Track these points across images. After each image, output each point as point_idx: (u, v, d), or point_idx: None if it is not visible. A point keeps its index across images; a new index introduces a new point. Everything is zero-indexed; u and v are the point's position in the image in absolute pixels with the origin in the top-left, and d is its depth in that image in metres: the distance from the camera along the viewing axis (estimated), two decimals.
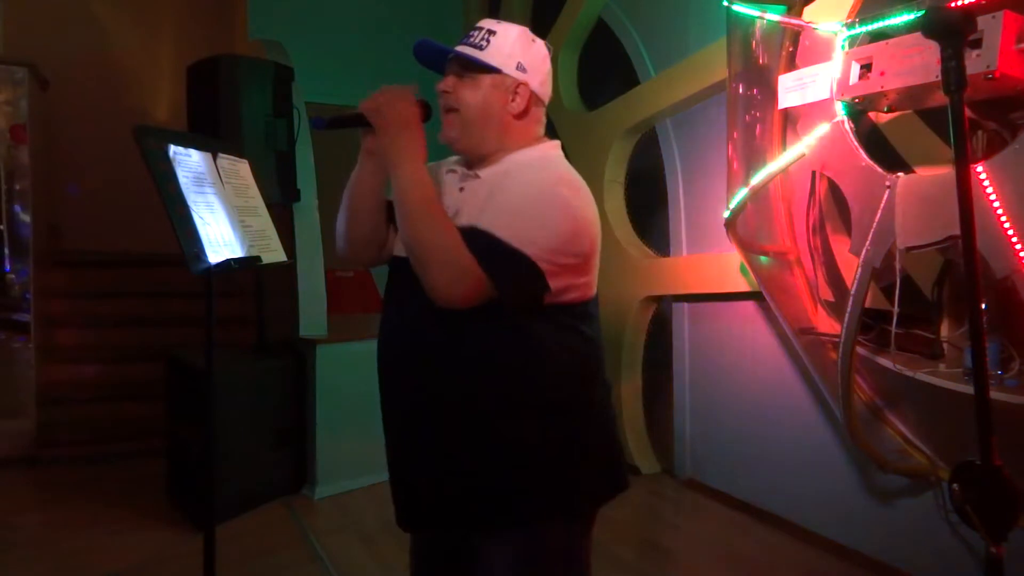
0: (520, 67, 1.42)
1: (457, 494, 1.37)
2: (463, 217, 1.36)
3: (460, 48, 1.42)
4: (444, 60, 1.46)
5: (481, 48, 1.40)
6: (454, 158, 1.54)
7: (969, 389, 2.20)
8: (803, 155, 2.79)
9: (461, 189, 1.44)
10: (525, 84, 1.42)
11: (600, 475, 1.43)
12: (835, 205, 2.93)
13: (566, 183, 1.35)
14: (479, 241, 1.28)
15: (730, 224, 3.13)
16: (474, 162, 1.47)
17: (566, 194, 1.33)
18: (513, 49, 1.41)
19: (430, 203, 1.33)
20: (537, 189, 1.33)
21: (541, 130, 1.50)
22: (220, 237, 2.08)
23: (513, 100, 1.42)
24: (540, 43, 1.48)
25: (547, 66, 1.48)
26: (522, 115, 1.44)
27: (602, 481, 1.43)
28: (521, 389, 1.34)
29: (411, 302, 1.38)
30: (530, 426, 1.34)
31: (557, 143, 1.51)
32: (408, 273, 1.38)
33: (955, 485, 1.29)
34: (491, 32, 1.42)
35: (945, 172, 2.29)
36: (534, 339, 1.34)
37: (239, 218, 2.22)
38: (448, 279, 1.29)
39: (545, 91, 1.48)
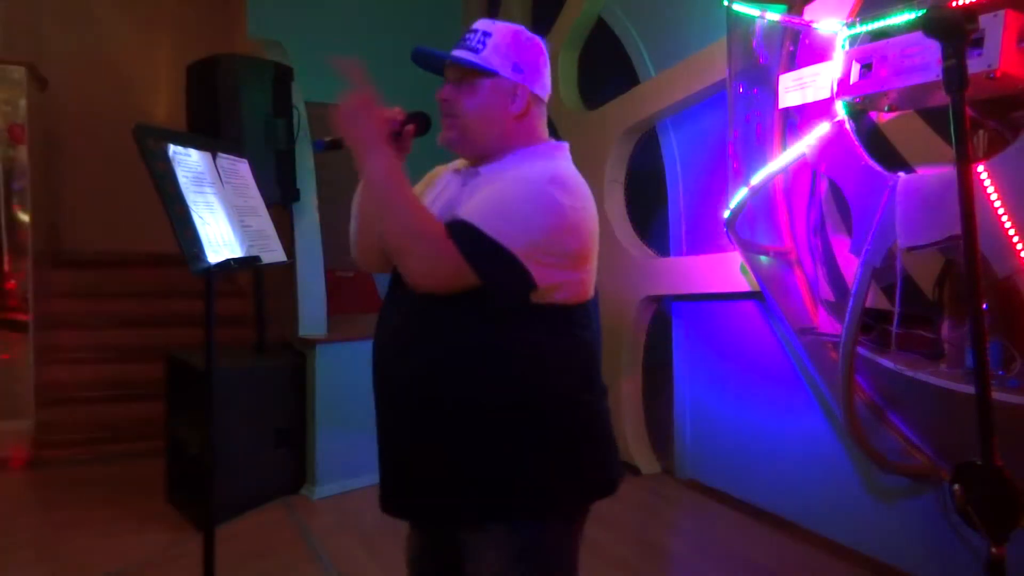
0: (517, 68, 1.42)
1: (447, 489, 1.37)
2: (459, 211, 1.36)
3: (456, 52, 1.43)
4: (443, 64, 1.46)
5: (477, 51, 1.41)
6: (461, 160, 1.55)
7: (970, 389, 2.20)
8: (803, 155, 2.79)
9: (464, 185, 1.45)
10: (523, 85, 1.43)
11: (590, 477, 1.42)
12: (835, 205, 2.93)
13: (559, 181, 1.34)
14: (463, 232, 1.29)
15: (730, 224, 3.12)
16: (477, 161, 1.48)
17: (555, 191, 1.32)
18: (509, 50, 1.42)
19: (398, 188, 1.34)
20: (525, 185, 1.33)
21: (543, 127, 1.50)
22: (220, 237, 2.08)
23: (512, 102, 1.42)
24: (536, 41, 1.48)
25: (545, 64, 1.48)
26: (522, 115, 1.44)
27: (591, 483, 1.43)
28: (512, 389, 1.34)
29: (404, 301, 1.40)
30: (520, 426, 1.34)
31: (564, 144, 1.51)
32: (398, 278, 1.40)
33: (956, 485, 1.29)
34: (486, 34, 1.42)
35: (946, 172, 2.29)
36: (526, 340, 1.34)
37: (239, 218, 2.21)
38: (425, 265, 1.31)
39: (544, 89, 1.48)
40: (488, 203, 1.33)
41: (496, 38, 1.42)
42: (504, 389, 1.33)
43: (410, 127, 1.45)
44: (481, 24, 1.45)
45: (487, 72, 1.41)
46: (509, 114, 1.42)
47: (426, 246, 1.30)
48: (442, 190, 1.51)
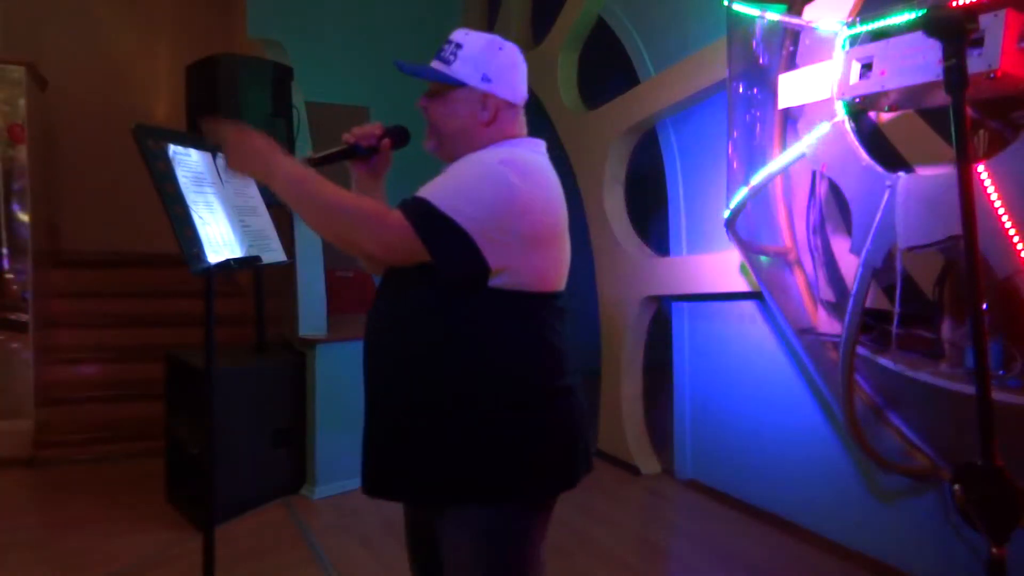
0: (485, 78, 1.47)
1: (417, 470, 1.42)
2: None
3: (431, 65, 1.50)
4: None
5: (448, 63, 1.48)
6: None
7: (971, 389, 2.20)
8: (803, 155, 2.79)
9: None
10: (491, 95, 1.48)
11: (554, 466, 1.44)
12: (835, 205, 2.93)
13: (512, 163, 1.38)
14: (416, 207, 1.35)
15: (730, 224, 3.12)
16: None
17: (507, 172, 1.36)
18: (478, 61, 1.47)
19: (314, 182, 1.40)
20: (479, 165, 1.41)
21: (518, 128, 1.54)
22: (220, 237, 2.08)
23: (482, 110, 1.48)
24: (509, 48, 1.53)
25: (518, 70, 1.53)
26: (491, 123, 1.50)
27: (556, 473, 1.45)
28: (475, 378, 1.38)
29: (383, 296, 1.49)
30: (485, 411, 1.38)
31: (536, 140, 1.54)
32: (386, 272, 1.49)
33: (957, 486, 1.28)
34: (459, 46, 1.48)
35: (946, 172, 2.29)
36: (491, 330, 1.39)
37: (239, 218, 2.21)
38: (375, 239, 1.38)
39: (517, 95, 1.53)
40: (442, 182, 1.40)
41: (466, 49, 1.48)
42: (467, 378, 1.38)
43: (386, 141, 1.54)
44: (456, 35, 1.51)
45: (456, 83, 1.47)
46: (479, 122, 1.49)
47: (367, 221, 1.37)
48: None
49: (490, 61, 1.48)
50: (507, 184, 1.35)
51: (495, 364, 1.39)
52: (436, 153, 1.54)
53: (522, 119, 1.56)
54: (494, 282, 1.37)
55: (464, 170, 1.41)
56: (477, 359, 1.39)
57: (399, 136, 1.56)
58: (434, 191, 1.37)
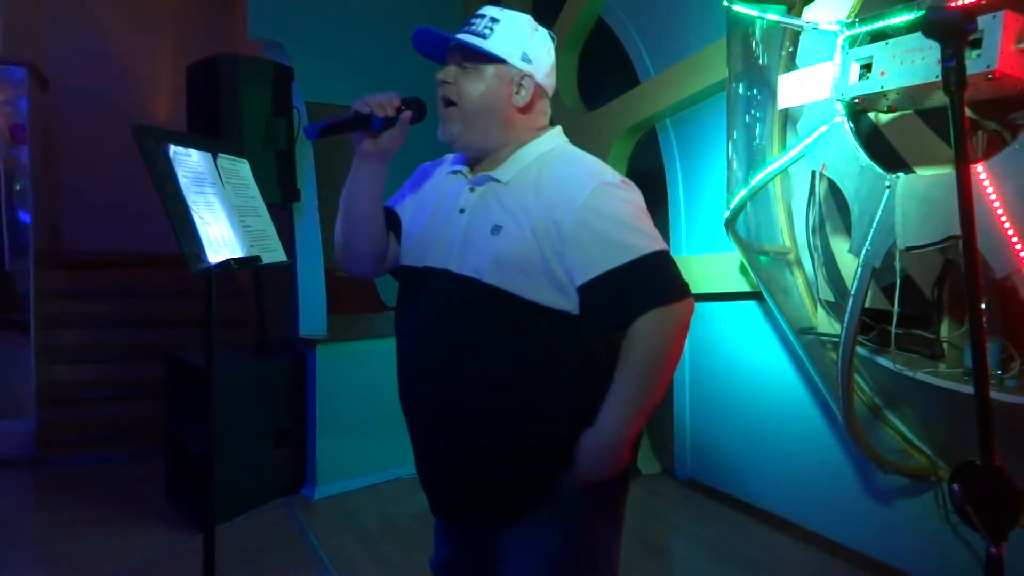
0: (525, 57, 1.36)
1: (495, 485, 1.37)
2: (488, 223, 1.34)
3: (462, 36, 1.36)
4: (444, 49, 1.41)
5: (484, 36, 1.34)
6: (452, 156, 1.50)
7: (969, 389, 2.21)
8: (803, 155, 2.79)
9: (472, 190, 1.40)
10: (530, 75, 1.37)
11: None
12: (835, 205, 2.93)
13: (613, 174, 1.38)
14: (663, 276, 1.32)
15: (730, 224, 3.12)
16: (477, 159, 1.42)
17: (626, 187, 1.37)
18: (518, 38, 1.36)
19: (643, 395, 1.34)
20: (613, 191, 1.34)
21: (545, 120, 1.45)
22: (220, 237, 2.08)
23: (518, 92, 1.37)
24: (544, 32, 1.43)
25: (552, 56, 1.43)
26: (527, 108, 1.39)
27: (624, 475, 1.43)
28: (567, 392, 1.34)
29: (438, 309, 1.37)
30: (559, 423, 1.34)
31: (559, 129, 1.47)
32: (423, 279, 1.39)
33: (955, 485, 1.29)
34: (494, 20, 1.36)
35: (945, 172, 2.29)
36: (578, 343, 1.34)
37: (239, 218, 2.21)
38: (682, 340, 1.36)
39: (550, 83, 1.43)
40: (613, 223, 1.31)
41: (505, 25, 1.36)
42: (560, 392, 1.34)
43: (407, 114, 1.37)
44: (488, 9, 1.38)
45: (494, 58, 1.34)
46: (514, 105, 1.37)
47: (679, 338, 1.35)
48: (441, 196, 1.45)
49: (529, 40, 1.37)
50: (634, 193, 1.38)
51: (589, 375, 1.36)
52: (457, 142, 1.39)
53: (549, 111, 1.46)
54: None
55: (604, 213, 1.31)
56: (572, 373, 1.35)
57: (418, 108, 1.38)
58: (630, 238, 1.30)
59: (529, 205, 1.32)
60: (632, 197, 1.36)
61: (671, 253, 1.35)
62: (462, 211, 1.39)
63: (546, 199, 1.32)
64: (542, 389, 1.33)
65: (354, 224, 1.46)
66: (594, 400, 1.34)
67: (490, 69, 1.35)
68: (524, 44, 1.36)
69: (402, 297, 1.49)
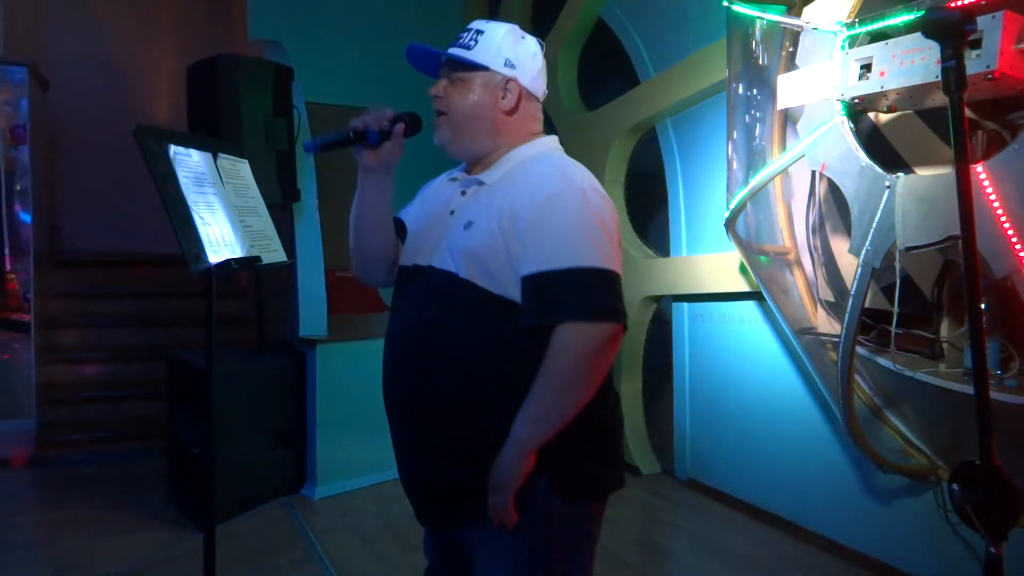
0: (508, 63, 1.43)
1: (456, 481, 1.37)
2: (464, 219, 1.39)
3: (450, 50, 1.44)
4: (437, 64, 1.48)
5: (469, 48, 1.43)
6: (459, 167, 1.55)
7: (969, 389, 2.21)
8: (803, 155, 2.79)
9: (463, 193, 1.46)
10: (514, 80, 1.44)
11: (606, 470, 1.43)
12: (835, 205, 2.93)
13: (587, 182, 1.37)
14: (589, 294, 1.27)
15: (730, 224, 3.13)
16: (472, 165, 1.49)
17: (595, 198, 1.35)
18: (500, 46, 1.43)
19: (547, 417, 1.30)
20: (568, 198, 1.32)
21: (538, 126, 1.51)
22: (220, 237, 2.08)
23: (503, 97, 1.43)
24: (530, 39, 1.49)
25: (538, 61, 1.49)
26: (513, 111, 1.45)
27: (606, 475, 1.43)
28: (510, 386, 1.33)
29: (417, 303, 1.41)
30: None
31: (554, 137, 1.51)
32: (412, 278, 1.43)
33: (955, 485, 1.29)
34: (479, 32, 1.44)
35: (945, 172, 2.30)
36: (520, 340, 1.33)
37: (239, 218, 2.22)
38: (605, 365, 1.32)
39: (538, 86, 1.49)
40: (557, 236, 1.30)
41: (488, 35, 1.44)
42: (517, 388, 1.32)
43: (400, 126, 1.43)
44: (475, 24, 1.47)
45: (478, 67, 1.42)
46: (500, 109, 1.43)
47: (601, 361, 1.30)
48: (437, 200, 1.51)
49: (513, 47, 1.44)
50: (606, 209, 1.35)
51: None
52: (448, 146, 1.46)
53: (541, 116, 1.51)
54: None
55: (559, 214, 1.31)
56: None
57: (412, 122, 1.44)
58: (577, 247, 1.28)
59: (499, 200, 1.37)
60: (600, 209, 1.34)
61: (621, 278, 1.32)
62: (452, 213, 1.45)
63: (513, 191, 1.36)
64: (503, 385, 1.34)
65: (364, 235, 1.52)
66: None
67: (477, 78, 1.43)
68: (507, 51, 1.44)
69: (393, 296, 1.54)
